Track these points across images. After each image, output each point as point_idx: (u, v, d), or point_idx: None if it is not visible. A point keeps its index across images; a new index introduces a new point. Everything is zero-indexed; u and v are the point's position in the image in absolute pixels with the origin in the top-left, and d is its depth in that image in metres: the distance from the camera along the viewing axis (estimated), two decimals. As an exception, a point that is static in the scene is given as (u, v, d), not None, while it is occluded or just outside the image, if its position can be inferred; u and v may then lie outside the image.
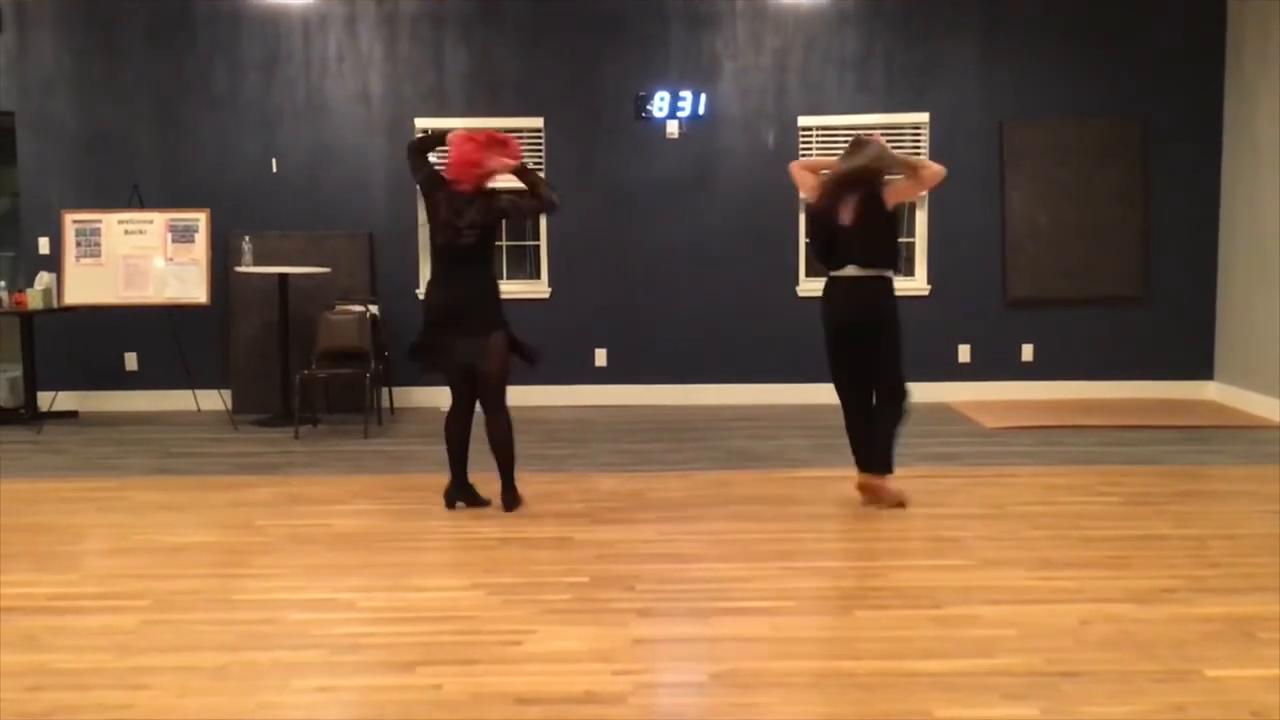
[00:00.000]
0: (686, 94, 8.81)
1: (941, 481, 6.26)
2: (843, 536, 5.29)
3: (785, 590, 4.46)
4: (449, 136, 5.64)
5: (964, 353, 9.00)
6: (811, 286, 8.88)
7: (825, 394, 8.57)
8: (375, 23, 8.81)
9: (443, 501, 5.76)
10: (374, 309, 8.35)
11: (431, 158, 5.82)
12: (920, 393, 7.66)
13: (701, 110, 8.82)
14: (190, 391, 8.70)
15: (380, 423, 8.14)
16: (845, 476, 6.24)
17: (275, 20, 8.77)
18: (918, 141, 8.80)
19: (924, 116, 8.79)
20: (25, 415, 8.37)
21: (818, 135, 8.85)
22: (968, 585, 4.50)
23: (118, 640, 3.98)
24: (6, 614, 4.14)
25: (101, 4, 8.70)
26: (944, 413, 8.44)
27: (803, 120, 8.85)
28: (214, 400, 8.73)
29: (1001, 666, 3.66)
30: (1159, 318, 8.93)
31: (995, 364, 8.99)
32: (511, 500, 5.71)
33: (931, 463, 6.72)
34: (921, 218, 8.94)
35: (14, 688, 3.58)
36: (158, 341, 8.72)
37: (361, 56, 8.83)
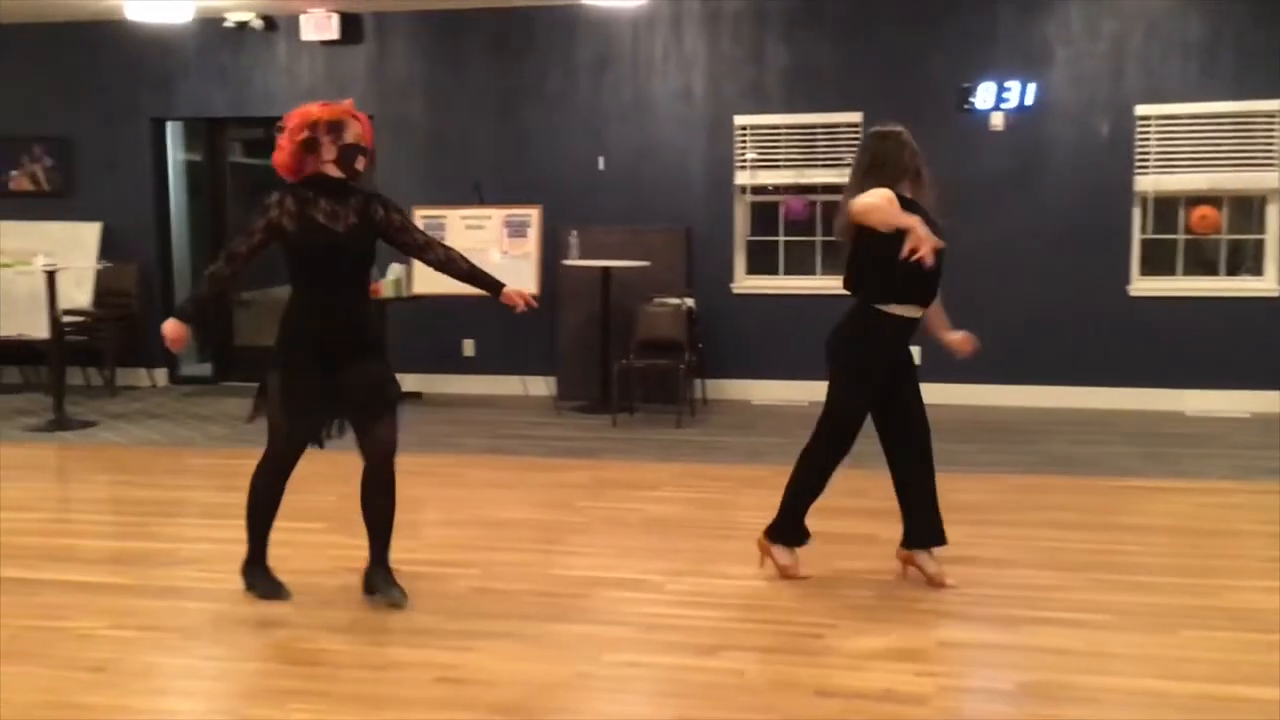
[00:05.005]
0: (1013, 84, 8.49)
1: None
2: (1170, 551, 4.98)
3: (1101, 603, 4.27)
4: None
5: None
6: (1146, 286, 8.39)
7: (1161, 400, 8.19)
8: (699, 22, 9.00)
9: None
10: (689, 302, 8.54)
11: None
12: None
13: (1029, 101, 8.47)
14: (519, 377, 9.22)
15: (693, 413, 8.32)
16: (1176, 488, 5.88)
17: (607, 23, 9.13)
18: (1270, 133, 8.10)
19: (1276, 104, 8.08)
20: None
21: (1155, 125, 8.32)
22: (1311, 612, 4.15)
23: (448, 605, 4.32)
24: (353, 575, 4.51)
25: (450, 15, 9.34)
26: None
27: (1140, 109, 8.34)
28: (540, 386, 9.20)
29: (1345, 702, 3.37)
30: None
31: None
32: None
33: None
34: (1274, 211, 8.25)
35: (357, 641, 3.97)
36: (492, 329, 9.26)
37: (685, 56, 9.05)
